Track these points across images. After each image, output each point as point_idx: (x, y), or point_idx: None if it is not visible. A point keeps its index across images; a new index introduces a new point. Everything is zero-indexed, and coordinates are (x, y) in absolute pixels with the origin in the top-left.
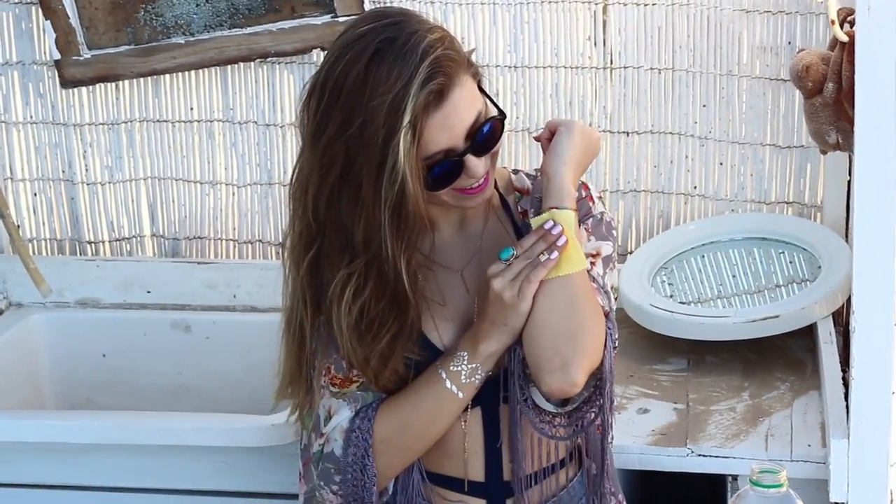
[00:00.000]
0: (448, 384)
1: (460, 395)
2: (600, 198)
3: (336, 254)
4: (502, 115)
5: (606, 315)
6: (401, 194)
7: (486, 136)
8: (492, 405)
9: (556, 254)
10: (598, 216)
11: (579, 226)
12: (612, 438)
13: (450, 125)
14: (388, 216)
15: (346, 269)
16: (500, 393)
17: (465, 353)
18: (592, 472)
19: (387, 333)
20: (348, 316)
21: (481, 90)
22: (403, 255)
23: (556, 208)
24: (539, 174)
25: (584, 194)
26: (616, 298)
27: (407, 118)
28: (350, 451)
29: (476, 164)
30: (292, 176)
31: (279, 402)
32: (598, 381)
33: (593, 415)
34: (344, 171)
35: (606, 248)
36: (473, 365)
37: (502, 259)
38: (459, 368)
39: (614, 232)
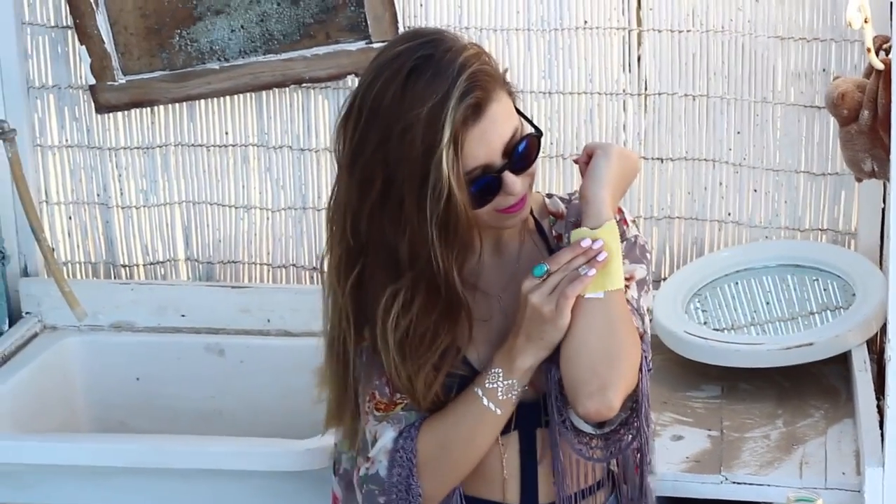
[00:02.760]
0: (485, 401)
1: (498, 411)
2: (634, 222)
3: (380, 271)
4: (538, 132)
5: (641, 337)
6: (447, 208)
7: (522, 152)
8: (529, 429)
9: (593, 270)
10: (632, 239)
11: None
12: (651, 462)
13: (487, 139)
14: (437, 230)
15: (392, 285)
16: (538, 416)
17: (500, 370)
18: (627, 496)
19: (440, 346)
20: (395, 332)
21: (516, 108)
22: (455, 264)
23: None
24: (573, 198)
25: (618, 218)
26: (651, 321)
27: (448, 132)
28: (395, 472)
29: (514, 181)
30: (330, 198)
31: (329, 428)
32: (633, 403)
33: (630, 437)
34: (384, 189)
35: (640, 270)
36: (509, 381)
37: (536, 276)
38: (496, 385)
39: (648, 255)
